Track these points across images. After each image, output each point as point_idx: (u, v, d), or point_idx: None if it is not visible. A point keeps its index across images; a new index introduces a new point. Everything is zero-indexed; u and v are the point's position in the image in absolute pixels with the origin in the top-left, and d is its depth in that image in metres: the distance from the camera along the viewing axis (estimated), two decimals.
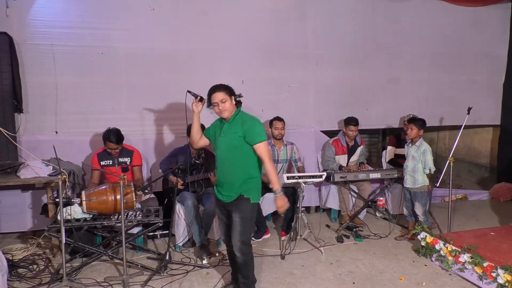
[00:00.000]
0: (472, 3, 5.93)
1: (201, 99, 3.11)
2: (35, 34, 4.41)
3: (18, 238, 4.43)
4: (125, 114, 4.73)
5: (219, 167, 3.10)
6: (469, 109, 4.51)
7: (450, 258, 3.65)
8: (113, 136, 4.07)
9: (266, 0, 5.21)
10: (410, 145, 4.36)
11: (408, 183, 4.34)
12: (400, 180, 4.93)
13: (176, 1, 4.84)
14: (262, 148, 2.95)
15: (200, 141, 3.26)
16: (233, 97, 3.00)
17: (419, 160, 4.25)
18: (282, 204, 2.97)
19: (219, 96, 2.94)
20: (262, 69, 5.11)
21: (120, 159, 4.23)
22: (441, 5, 5.82)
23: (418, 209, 4.30)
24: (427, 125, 5.84)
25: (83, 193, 3.50)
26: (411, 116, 5.13)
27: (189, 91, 3.14)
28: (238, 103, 3.06)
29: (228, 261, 3.44)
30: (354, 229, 4.62)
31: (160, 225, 3.61)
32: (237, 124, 2.98)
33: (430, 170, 4.22)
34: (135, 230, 4.06)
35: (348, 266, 3.84)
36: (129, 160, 4.26)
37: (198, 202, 4.18)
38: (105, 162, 4.20)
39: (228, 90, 2.98)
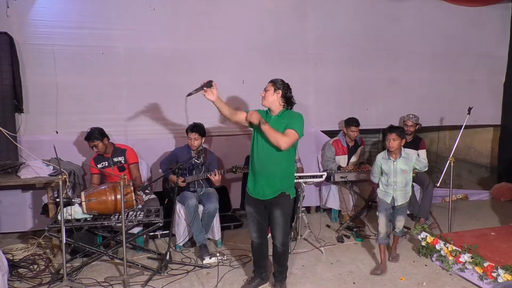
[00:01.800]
0: (472, 3, 5.92)
1: (209, 84, 3.04)
2: (36, 34, 4.41)
3: (18, 238, 4.43)
4: (125, 114, 4.73)
5: (259, 159, 3.11)
6: (470, 109, 4.51)
7: (450, 258, 3.65)
8: (89, 135, 4.04)
9: (266, 0, 5.22)
10: (391, 159, 3.70)
11: (399, 200, 3.73)
12: None
13: (176, 1, 4.83)
14: (291, 132, 2.99)
15: (239, 115, 3.15)
16: (279, 91, 3.09)
17: (410, 171, 3.73)
18: (255, 116, 2.95)
19: (267, 85, 3.15)
20: (262, 69, 5.10)
21: (115, 159, 4.22)
22: (441, 5, 5.82)
23: (400, 222, 3.84)
24: (427, 125, 5.93)
25: (82, 194, 3.51)
26: (412, 115, 5.14)
27: (189, 94, 3.02)
28: (287, 103, 3.15)
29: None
30: (355, 229, 4.62)
31: (161, 225, 3.61)
32: (286, 118, 3.10)
33: (427, 166, 3.85)
34: (136, 230, 4.06)
35: (349, 266, 3.85)
36: (123, 159, 4.25)
37: (199, 202, 4.19)
38: (102, 165, 4.20)
39: (276, 84, 3.11)
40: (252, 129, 3.21)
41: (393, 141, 3.62)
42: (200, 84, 3.03)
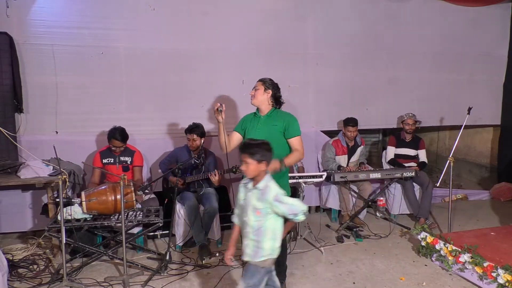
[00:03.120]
0: (472, 3, 5.92)
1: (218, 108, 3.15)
2: (36, 34, 4.41)
3: (18, 238, 4.43)
4: (125, 114, 4.73)
5: None
6: (470, 109, 4.51)
7: (450, 258, 3.65)
8: (119, 134, 4.10)
9: (266, 0, 5.21)
10: (248, 185, 2.55)
11: (246, 253, 2.52)
12: (400, 180, 4.94)
13: (176, 1, 4.83)
14: (297, 141, 3.12)
15: (232, 142, 3.25)
16: (269, 91, 3.13)
17: (266, 214, 2.46)
18: (276, 166, 2.82)
19: (256, 84, 3.18)
20: (262, 69, 5.06)
21: (122, 158, 4.24)
22: (441, 5, 5.82)
23: None
24: (427, 125, 5.93)
25: (82, 193, 3.50)
26: (411, 114, 5.13)
27: (220, 110, 3.13)
28: (276, 103, 3.19)
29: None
30: (354, 229, 4.62)
31: (160, 225, 3.62)
32: (276, 118, 3.13)
33: (301, 213, 2.44)
34: (135, 230, 4.06)
35: (348, 266, 3.84)
36: (130, 159, 4.27)
37: (199, 202, 4.18)
38: (107, 160, 4.22)
39: (266, 84, 3.14)
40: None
41: (246, 165, 2.47)
42: (219, 104, 3.13)
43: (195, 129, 4.22)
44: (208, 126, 4.74)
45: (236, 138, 3.28)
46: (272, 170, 2.81)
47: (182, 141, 4.61)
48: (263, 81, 3.17)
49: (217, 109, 3.11)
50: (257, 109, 3.21)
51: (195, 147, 4.24)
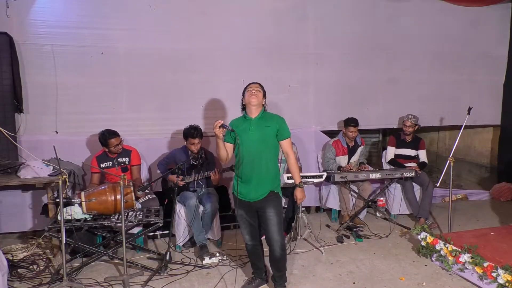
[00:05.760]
0: (472, 3, 5.93)
1: (224, 126, 3.08)
2: (35, 34, 4.41)
3: (18, 238, 4.44)
4: (125, 114, 4.74)
5: (247, 162, 3.09)
6: (469, 109, 4.51)
7: (450, 258, 3.65)
8: (110, 133, 4.08)
9: (266, 0, 5.22)
10: None
11: None
12: (400, 180, 4.95)
13: (176, 1, 4.84)
14: (289, 143, 3.18)
15: (230, 152, 3.23)
16: (265, 99, 3.20)
17: None
18: (302, 196, 3.23)
19: (258, 86, 3.20)
20: (262, 69, 5.11)
21: (119, 160, 4.24)
22: (441, 5, 5.82)
23: None
24: (427, 125, 5.93)
25: (82, 193, 3.51)
26: (411, 116, 5.14)
27: (225, 126, 3.05)
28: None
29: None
30: (354, 229, 4.62)
31: (161, 225, 3.62)
32: (268, 120, 3.15)
33: None
34: (135, 230, 4.06)
35: (349, 266, 3.84)
36: (128, 159, 4.27)
37: (199, 202, 4.18)
38: (105, 164, 4.20)
39: (264, 89, 3.22)
40: None
41: None
42: (221, 122, 3.03)
43: (195, 132, 4.17)
44: (207, 127, 4.74)
45: (229, 147, 3.21)
46: (301, 199, 3.24)
47: (182, 141, 4.61)
48: (262, 87, 3.20)
49: (220, 126, 3.00)
50: (245, 112, 3.18)
51: (197, 150, 4.21)
